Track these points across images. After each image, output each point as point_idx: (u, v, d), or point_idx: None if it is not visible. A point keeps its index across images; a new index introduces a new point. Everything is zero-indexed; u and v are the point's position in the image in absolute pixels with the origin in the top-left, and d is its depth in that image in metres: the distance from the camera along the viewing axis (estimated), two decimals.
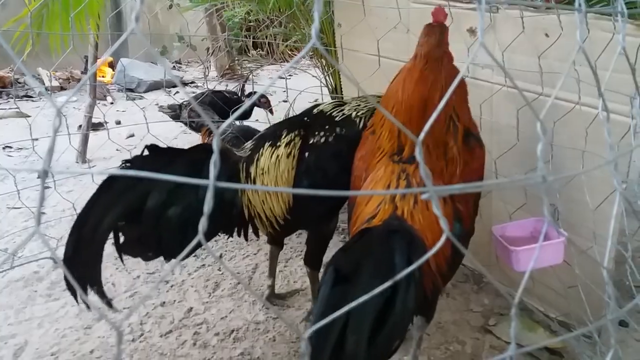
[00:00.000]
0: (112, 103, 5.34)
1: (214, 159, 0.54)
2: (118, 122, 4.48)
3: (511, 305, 0.63)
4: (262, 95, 3.38)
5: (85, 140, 3.63)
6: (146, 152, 1.58)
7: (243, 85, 3.82)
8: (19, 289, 2.15)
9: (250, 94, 3.61)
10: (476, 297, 2.11)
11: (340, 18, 2.68)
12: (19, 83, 5.70)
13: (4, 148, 3.84)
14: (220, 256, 2.44)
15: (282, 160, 1.78)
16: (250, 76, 4.34)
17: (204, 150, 1.79)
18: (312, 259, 1.95)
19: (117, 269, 2.27)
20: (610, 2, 1.75)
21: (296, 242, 2.51)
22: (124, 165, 1.55)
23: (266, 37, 5.44)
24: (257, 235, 1.84)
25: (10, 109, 4.83)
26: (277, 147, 1.79)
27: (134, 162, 1.56)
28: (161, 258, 1.60)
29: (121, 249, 1.55)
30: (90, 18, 3.06)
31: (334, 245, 2.05)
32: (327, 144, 1.77)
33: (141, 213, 1.51)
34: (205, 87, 4.60)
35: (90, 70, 3.63)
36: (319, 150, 1.77)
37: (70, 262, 1.40)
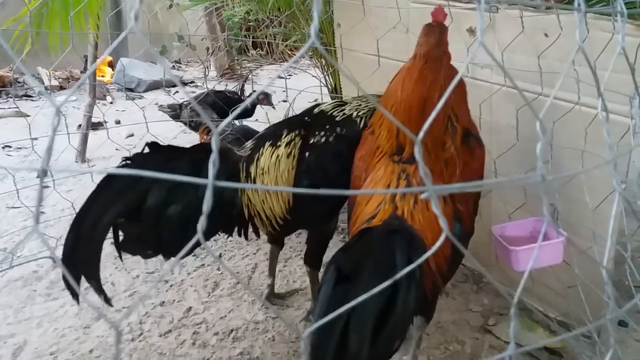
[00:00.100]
0: (111, 102, 5.34)
1: (213, 157, 0.54)
2: (117, 122, 4.48)
3: (510, 305, 0.63)
4: (262, 93, 3.37)
5: (84, 140, 3.63)
6: (147, 150, 1.58)
7: (243, 85, 3.82)
8: (18, 288, 2.15)
9: (251, 94, 3.61)
10: (476, 297, 2.11)
11: (339, 18, 2.68)
12: (19, 82, 5.70)
13: (3, 147, 3.84)
14: (220, 256, 2.44)
15: (282, 160, 1.78)
16: (250, 76, 4.34)
17: (204, 150, 1.79)
18: (312, 259, 1.95)
19: (116, 268, 2.27)
20: (609, 2, 1.76)
21: (296, 242, 2.51)
22: (124, 162, 1.55)
23: (266, 36, 5.44)
24: (257, 234, 1.84)
25: (9, 108, 4.83)
26: (278, 147, 1.79)
27: (135, 160, 1.56)
28: (161, 257, 1.60)
29: (121, 247, 1.55)
30: (89, 17, 3.06)
31: (334, 245, 2.05)
32: (328, 143, 1.77)
33: (141, 211, 1.51)
34: (205, 86, 4.60)
35: (90, 69, 3.63)
36: (319, 150, 1.77)
37: (69, 259, 1.40)
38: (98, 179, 1.49)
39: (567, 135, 1.72)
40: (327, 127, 1.80)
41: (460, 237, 1.42)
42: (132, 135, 4.04)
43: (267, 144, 1.82)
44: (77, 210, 1.42)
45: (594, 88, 1.46)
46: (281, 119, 2.12)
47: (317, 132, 1.80)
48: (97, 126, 3.91)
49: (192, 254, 2.36)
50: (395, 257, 1.17)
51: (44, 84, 5.60)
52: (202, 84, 5.45)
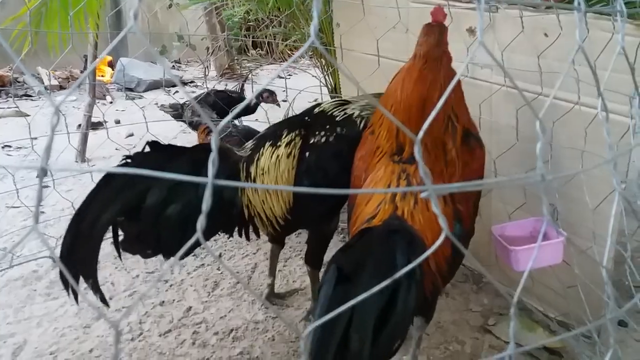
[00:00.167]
0: (111, 102, 5.34)
1: (213, 157, 0.54)
2: (117, 122, 4.48)
3: (510, 305, 0.63)
4: (265, 90, 3.36)
5: (84, 140, 3.63)
6: (147, 149, 1.58)
7: (242, 85, 3.81)
8: (18, 288, 2.15)
9: (261, 92, 3.55)
10: (475, 297, 2.11)
11: (339, 17, 2.68)
12: (18, 82, 5.69)
13: (3, 147, 3.84)
14: (220, 255, 2.44)
15: (283, 160, 1.77)
16: (250, 76, 4.33)
17: (204, 149, 1.79)
18: (313, 258, 1.95)
19: (116, 268, 2.27)
20: (609, 2, 1.76)
21: (296, 242, 2.51)
22: (124, 161, 1.55)
23: (266, 36, 5.44)
24: (257, 234, 1.84)
25: (9, 108, 4.83)
26: (278, 147, 1.79)
27: (135, 159, 1.56)
28: (160, 257, 1.60)
29: (120, 246, 1.55)
30: (89, 17, 3.06)
31: (335, 245, 2.05)
32: (328, 143, 1.77)
33: (140, 210, 1.51)
34: (205, 86, 4.59)
35: (89, 68, 3.63)
36: (320, 150, 1.77)
37: (67, 258, 1.40)
38: (98, 178, 1.49)
39: (566, 135, 1.72)
40: (328, 127, 1.80)
41: (461, 238, 1.42)
42: (132, 135, 4.04)
43: (267, 144, 1.81)
44: (76, 209, 1.42)
45: (594, 88, 1.46)
46: (281, 119, 2.12)
47: (317, 132, 1.80)
48: (97, 126, 3.91)
49: (192, 254, 2.36)
50: (395, 257, 1.17)
51: (43, 83, 5.60)
52: (202, 83, 5.45)
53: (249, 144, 1.89)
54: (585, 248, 1.69)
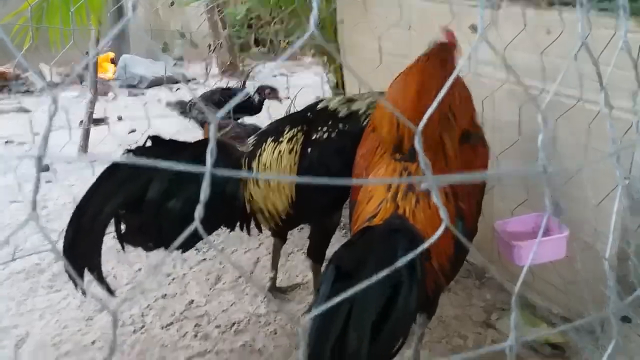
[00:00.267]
0: (113, 99, 5.34)
1: (210, 147, 0.55)
2: (120, 118, 4.49)
3: (512, 294, 0.63)
4: (267, 87, 3.35)
5: (86, 135, 3.63)
6: (149, 143, 1.58)
7: (244, 82, 3.81)
8: (21, 280, 2.16)
9: (258, 89, 3.54)
10: (478, 292, 2.11)
11: (342, 15, 2.68)
12: (21, 78, 5.69)
13: (5, 143, 3.85)
14: (222, 249, 2.44)
15: (285, 155, 1.78)
16: (252, 73, 4.33)
17: (206, 145, 1.79)
18: (315, 253, 1.96)
19: (118, 262, 2.27)
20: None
21: (298, 237, 2.51)
22: (126, 154, 1.56)
23: (268, 34, 5.43)
24: (259, 229, 1.85)
25: (11, 104, 4.83)
26: (280, 143, 1.80)
27: (136, 153, 1.57)
28: (163, 251, 1.61)
29: (122, 239, 1.55)
30: (91, 13, 3.06)
31: (337, 240, 2.05)
32: (330, 139, 1.78)
33: (142, 203, 1.52)
34: (206, 83, 4.59)
35: (90, 62, 3.63)
36: (322, 146, 1.77)
37: (70, 250, 1.41)
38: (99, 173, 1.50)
39: (570, 132, 1.72)
40: (330, 123, 1.80)
41: (462, 236, 1.41)
42: (134, 131, 4.04)
43: (270, 139, 1.82)
44: (78, 202, 1.43)
45: (597, 84, 1.47)
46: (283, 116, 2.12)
47: (319, 128, 1.80)
48: (99, 122, 3.91)
49: (195, 248, 2.36)
50: (396, 255, 1.16)
51: (45, 80, 5.61)
52: (204, 81, 5.45)
53: (251, 139, 1.90)
54: (588, 244, 1.69)
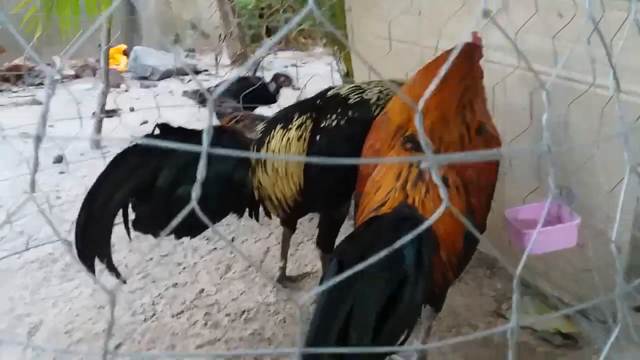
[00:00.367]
0: (126, 90, 5.38)
1: (207, 125, 0.54)
2: (132, 109, 4.51)
3: (514, 277, 0.62)
4: (281, 75, 3.32)
5: (99, 126, 3.66)
6: (157, 132, 1.59)
7: (255, 71, 3.80)
8: (34, 270, 2.19)
9: (274, 77, 3.50)
10: (489, 282, 2.09)
11: (351, 2, 2.65)
12: (34, 71, 5.75)
13: (20, 134, 3.89)
14: (232, 240, 2.45)
15: (293, 143, 1.77)
16: (262, 62, 4.31)
17: (215, 133, 1.80)
18: (324, 242, 1.95)
19: (130, 251, 2.29)
20: None
21: (308, 227, 2.51)
22: (134, 143, 1.56)
23: (279, 22, 5.41)
24: (268, 217, 1.84)
25: (25, 96, 4.89)
26: (289, 130, 1.79)
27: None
28: (174, 241, 1.62)
29: (132, 226, 1.56)
30: (102, 3, 3.06)
31: (346, 230, 2.04)
32: (339, 127, 1.76)
33: (152, 190, 1.53)
34: (217, 74, 4.59)
35: (102, 53, 3.65)
36: (331, 134, 1.76)
37: (82, 236, 1.42)
38: None
39: (582, 118, 1.69)
40: (339, 110, 1.79)
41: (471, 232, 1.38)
42: (146, 122, 4.07)
43: (278, 126, 1.81)
44: (89, 189, 1.44)
45: (610, 69, 1.43)
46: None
47: (329, 115, 1.79)
48: (111, 113, 3.94)
49: (205, 237, 2.38)
50: (402, 247, 1.13)
51: (61, 72, 5.65)
52: (215, 72, 5.45)
53: (260, 126, 1.89)
54: (601, 231, 1.67)
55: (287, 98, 3.41)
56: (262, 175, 1.75)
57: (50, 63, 5.83)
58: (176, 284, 2.09)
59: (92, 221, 1.44)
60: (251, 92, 3.10)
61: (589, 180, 1.68)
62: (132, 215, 1.56)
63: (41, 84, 5.51)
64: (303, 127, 1.79)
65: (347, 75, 3.27)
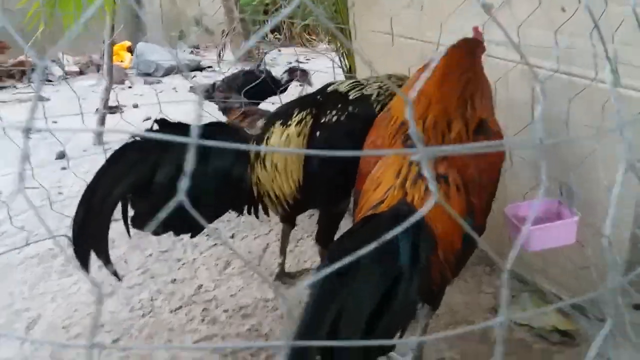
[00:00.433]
0: (130, 87, 5.39)
1: (195, 115, 0.54)
2: (135, 106, 4.52)
3: (502, 270, 0.61)
4: (298, 69, 3.29)
5: (101, 123, 3.66)
6: (155, 127, 1.58)
7: (258, 66, 3.78)
8: (34, 265, 2.20)
9: (289, 70, 3.44)
10: (488, 279, 2.08)
11: None
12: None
13: (23, 131, 3.90)
14: (232, 236, 2.45)
15: (293, 139, 1.76)
16: (265, 58, 4.30)
17: (214, 128, 1.79)
18: (324, 238, 1.95)
19: (130, 247, 2.29)
20: None
21: (308, 223, 2.50)
22: (133, 139, 1.56)
23: (284, 21, 5.41)
24: (266, 213, 1.84)
25: (30, 92, 4.90)
26: (288, 126, 1.78)
27: (143, 137, 1.57)
28: (173, 238, 1.61)
29: (130, 223, 1.56)
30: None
31: (346, 226, 2.03)
32: (339, 123, 1.76)
33: (150, 186, 1.52)
34: (219, 69, 4.57)
35: (105, 50, 3.65)
36: (331, 130, 1.75)
37: (80, 231, 1.42)
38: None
39: (584, 113, 1.67)
40: (340, 106, 1.78)
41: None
42: (149, 118, 4.07)
43: (278, 123, 1.81)
44: (88, 184, 1.44)
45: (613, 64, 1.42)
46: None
47: (329, 111, 1.78)
48: (114, 109, 3.94)
49: (205, 234, 2.37)
50: (398, 245, 1.12)
51: (63, 68, 5.67)
52: (219, 68, 5.45)
53: (260, 122, 1.89)
54: (600, 228, 1.65)
55: (289, 95, 3.39)
56: (260, 171, 1.74)
57: (56, 60, 5.86)
58: (175, 279, 2.09)
59: (90, 216, 1.44)
60: (254, 86, 3.06)
61: (590, 177, 1.66)
62: (131, 212, 1.56)
63: (46, 80, 5.53)
64: (303, 123, 1.78)
65: (350, 72, 3.26)
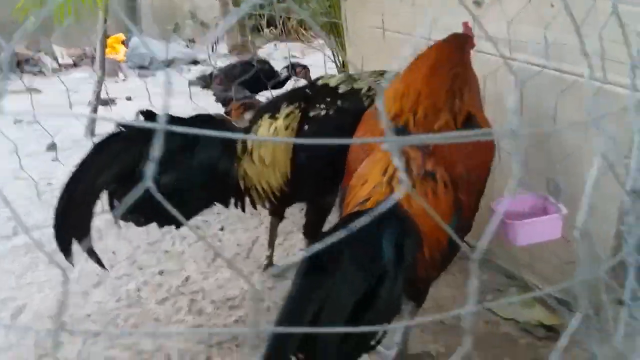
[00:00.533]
0: (124, 80, 5.37)
1: (163, 102, 0.54)
2: (129, 98, 4.51)
3: (471, 260, 0.61)
4: (299, 65, 3.28)
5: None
6: (141, 118, 1.57)
7: (254, 58, 3.77)
8: (22, 255, 2.19)
9: (291, 65, 3.42)
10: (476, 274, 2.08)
11: None
12: (33, 59, 5.74)
13: (15, 122, 3.89)
14: (222, 229, 2.45)
15: (280, 132, 1.76)
16: (258, 52, 4.29)
17: (202, 120, 1.79)
18: (311, 231, 1.95)
19: (118, 238, 2.29)
20: None
21: (297, 217, 2.50)
22: (118, 129, 1.55)
23: (280, 16, 5.39)
24: (254, 207, 1.83)
25: (23, 85, 4.87)
26: (276, 119, 1.78)
27: (128, 127, 1.56)
28: (162, 229, 1.61)
29: (114, 214, 1.55)
30: None
31: (334, 219, 2.04)
32: (328, 117, 1.75)
33: (134, 177, 1.52)
34: (212, 63, 4.56)
35: (98, 42, 3.63)
36: (319, 124, 1.75)
37: (61, 221, 1.42)
38: None
39: (572, 109, 1.67)
40: (329, 100, 1.78)
41: (457, 230, 1.33)
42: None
43: (266, 116, 1.80)
44: (70, 174, 1.43)
45: (600, 61, 1.42)
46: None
47: (317, 105, 1.78)
48: (106, 103, 3.93)
49: (195, 225, 2.37)
50: (382, 242, 1.11)
51: (57, 61, 5.65)
52: (212, 61, 5.43)
53: (248, 115, 1.88)
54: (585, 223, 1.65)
55: (285, 90, 3.38)
56: (247, 164, 1.74)
57: (48, 52, 5.83)
58: (162, 271, 2.09)
59: (72, 205, 1.44)
60: (248, 79, 3.02)
61: (577, 172, 1.67)
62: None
63: (40, 72, 5.50)
64: (291, 116, 1.78)
65: (344, 67, 3.26)
